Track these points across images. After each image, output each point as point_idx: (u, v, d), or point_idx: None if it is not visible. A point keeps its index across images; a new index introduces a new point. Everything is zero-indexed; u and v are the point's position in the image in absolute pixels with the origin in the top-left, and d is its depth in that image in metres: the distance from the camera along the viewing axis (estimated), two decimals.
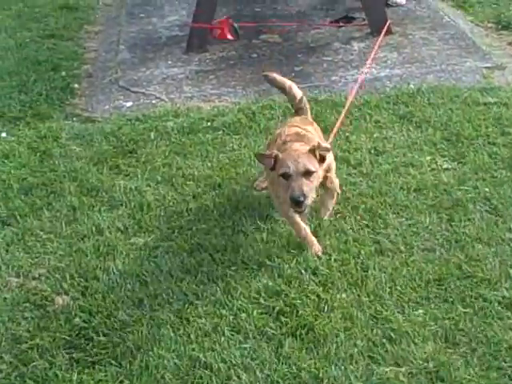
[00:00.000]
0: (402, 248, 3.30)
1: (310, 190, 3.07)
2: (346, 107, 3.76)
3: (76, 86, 5.30)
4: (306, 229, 3.33)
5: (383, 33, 4.89)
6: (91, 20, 6.67)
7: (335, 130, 3.67)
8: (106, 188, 3.87)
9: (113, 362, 2.75)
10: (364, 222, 3.49)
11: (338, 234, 3.40)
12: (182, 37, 5.93)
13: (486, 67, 5.13)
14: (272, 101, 4.75)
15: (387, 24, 5.36)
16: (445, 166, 3.93)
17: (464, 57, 5.29)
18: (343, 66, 5.30)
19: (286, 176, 3.07)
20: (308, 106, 3.72)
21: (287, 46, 5.72)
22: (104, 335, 2.87)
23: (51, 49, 5.95)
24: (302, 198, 3.01)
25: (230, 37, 5.79)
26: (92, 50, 6.05)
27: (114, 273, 3.22)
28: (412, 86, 4.85)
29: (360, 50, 5.52)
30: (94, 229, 3.55)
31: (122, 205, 3.73)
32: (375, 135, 4.28)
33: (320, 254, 3.27)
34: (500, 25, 5.91)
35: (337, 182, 3.47)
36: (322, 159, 3.15)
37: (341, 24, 5.90)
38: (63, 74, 5.46)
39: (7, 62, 5.68)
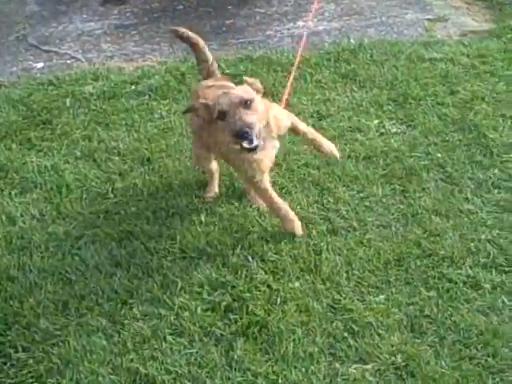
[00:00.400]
0: (356, 225, 3.11)
1: (253, 120, 2.59)
2: (292, 72, 3.47)
3: None
4: (285, 205, 3.01)
5: None
6: None
7: (286, 96, 3.36)
8: (17, 167, 3.58)
9: (36, 383, 2.49)
10: (312, 197, 3.27)
11: None
12: None
13: (427, 19, 4.95)
14: None
15: None
16: (394, 130, 3.73)
17: (404, 8, 5.09)
18: (278, 19, 5.03)
19: (222, 114, 2.62)
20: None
21: None
22: (24, 350, 2.60)
23: None
24: (246, 129, 2.54)
25: None
26: None
27: (31, 271, 2.94)
28: (353, 40, 4.60)
29: (295, 1, 5.24)
30: (3, 218, 3.26)
31: (36, 187, 3.45)
32: (317, 97, 4.04)
33: (303, 234, 3.02)
34: None
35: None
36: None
37: None
38: None
39: None
